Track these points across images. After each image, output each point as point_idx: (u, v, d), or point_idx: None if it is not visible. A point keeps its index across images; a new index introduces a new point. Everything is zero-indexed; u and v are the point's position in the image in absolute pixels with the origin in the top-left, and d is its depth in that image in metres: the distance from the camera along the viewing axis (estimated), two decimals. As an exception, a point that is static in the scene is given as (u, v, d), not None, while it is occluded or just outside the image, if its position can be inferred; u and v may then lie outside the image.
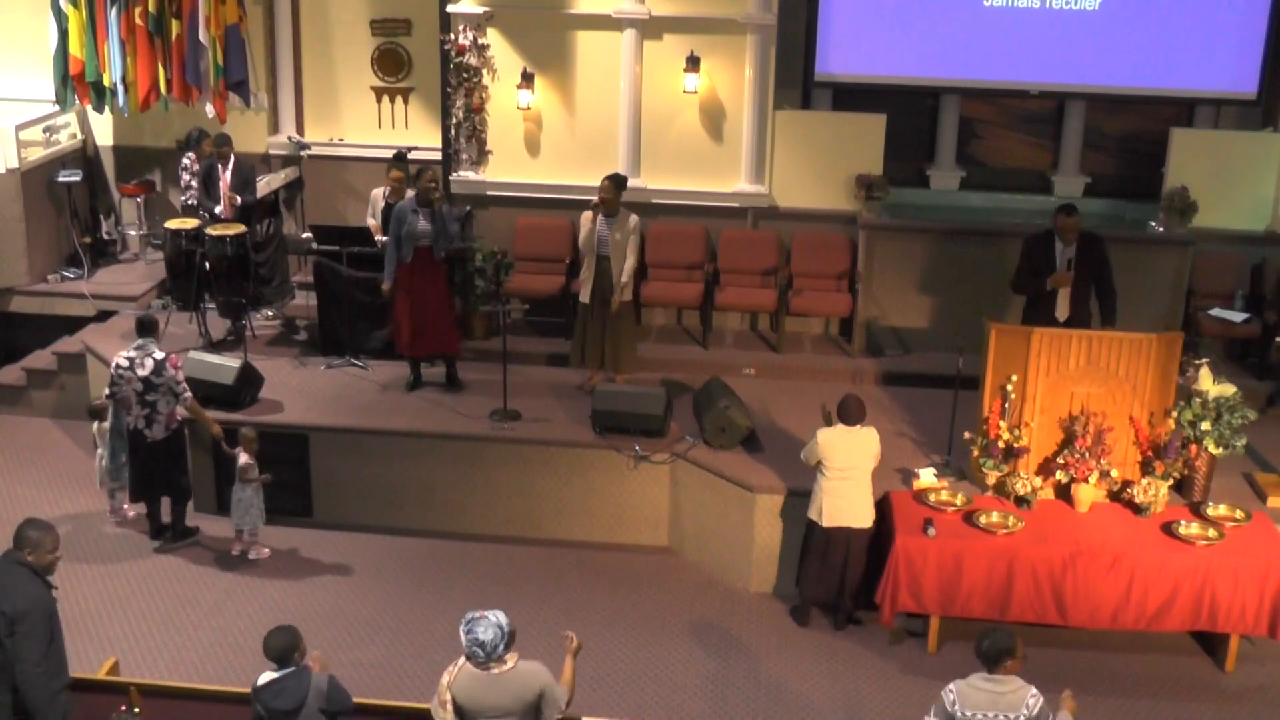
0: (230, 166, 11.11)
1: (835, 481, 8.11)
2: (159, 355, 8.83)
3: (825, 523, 8.18)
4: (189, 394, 8.99)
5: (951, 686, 5.87)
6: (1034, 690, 5.80)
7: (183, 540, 9.34)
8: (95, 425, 9.46)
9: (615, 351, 9.97)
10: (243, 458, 9.00)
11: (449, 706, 5.60)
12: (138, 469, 9.16)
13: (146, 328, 8.93)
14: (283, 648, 5.77)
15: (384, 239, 10.52)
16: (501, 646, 5.52)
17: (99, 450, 9.49)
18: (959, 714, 5.78)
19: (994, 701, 5.77)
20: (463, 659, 5.60)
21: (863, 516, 8.18)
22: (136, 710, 5.93)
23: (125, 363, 8.85)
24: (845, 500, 8.12)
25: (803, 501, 8.43)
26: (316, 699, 5.70)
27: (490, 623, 5.51)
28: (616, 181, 9.71)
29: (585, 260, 9.85)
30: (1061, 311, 9.37)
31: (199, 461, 9.62)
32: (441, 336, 10.12)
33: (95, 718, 6.32)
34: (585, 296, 9.90)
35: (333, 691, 5.77)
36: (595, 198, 9.66)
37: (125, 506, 9.62)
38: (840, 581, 8.32)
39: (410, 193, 10.50)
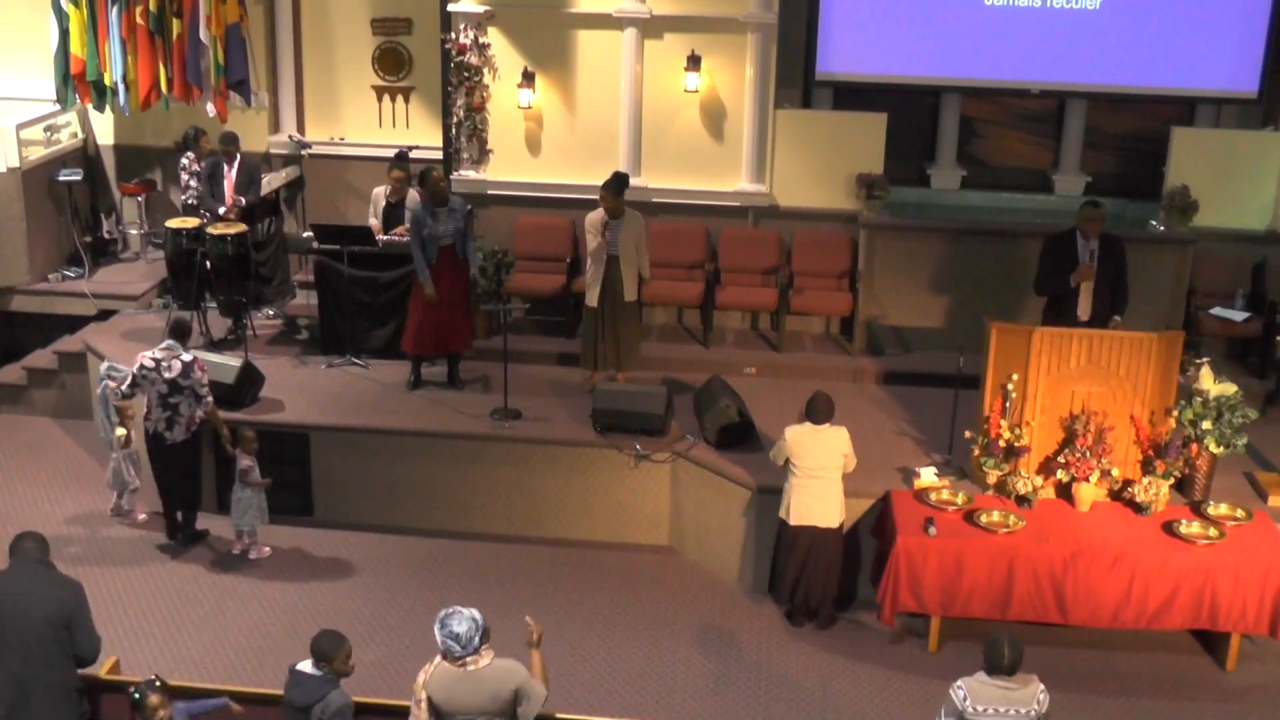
0: (236, 165, 11.11)
1: (804, 480, 8.12)
2: (187, 358, 8.81)
3: (793, 521, 8.18)
4: (211, 398, 8.97)
5: (960, 683, 5.87)
6: (1041, 684, 5.83)
7: (193, 544, 9.32)
8: (122, 431, 9.44)
9: (621, 350, 9.97)
10: (244, 460, 8.99)
11: (424, 705, 5.64)
12: (159, 474, 9.13)
13: (179, 332, 8.90)
14: (319, 651, 5.85)
15: (385, 238, 10.53)
16: (476, 640, 5.55)
17: (113, 454, 9.46)
18: (970, 710, 5.77)
19: (1006, 697, 5.78)
20: (438, 657, 5.63)
21: (830, 516, 8.16)
22: (156, 681, 5.95)
23: (151, 364, 8.76)
24: (813, 499, 8.12)
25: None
26: (323, 710, 5.74)
27: (464, 616, 5.57)
28: (611, 188, 9.64)
29: (592, 263, 9.84)
30: (1084, 310, 9.32)
31: (205, 464, 9.61)
32: (457, 333, 10.12)
33: (96, 716, 6.36)
34: (594, 300, 9.88)
35: (337, 718, 5.79)
36: (600, 204, 9.66)
37: (133, 509, 9.61)
38: (812, 580, 8.29)
39: (412, 192, 10.51)
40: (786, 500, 8.22)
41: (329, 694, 5.78)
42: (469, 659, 5.56)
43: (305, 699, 5.79)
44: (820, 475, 8.10)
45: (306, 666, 5.88)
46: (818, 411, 8.13)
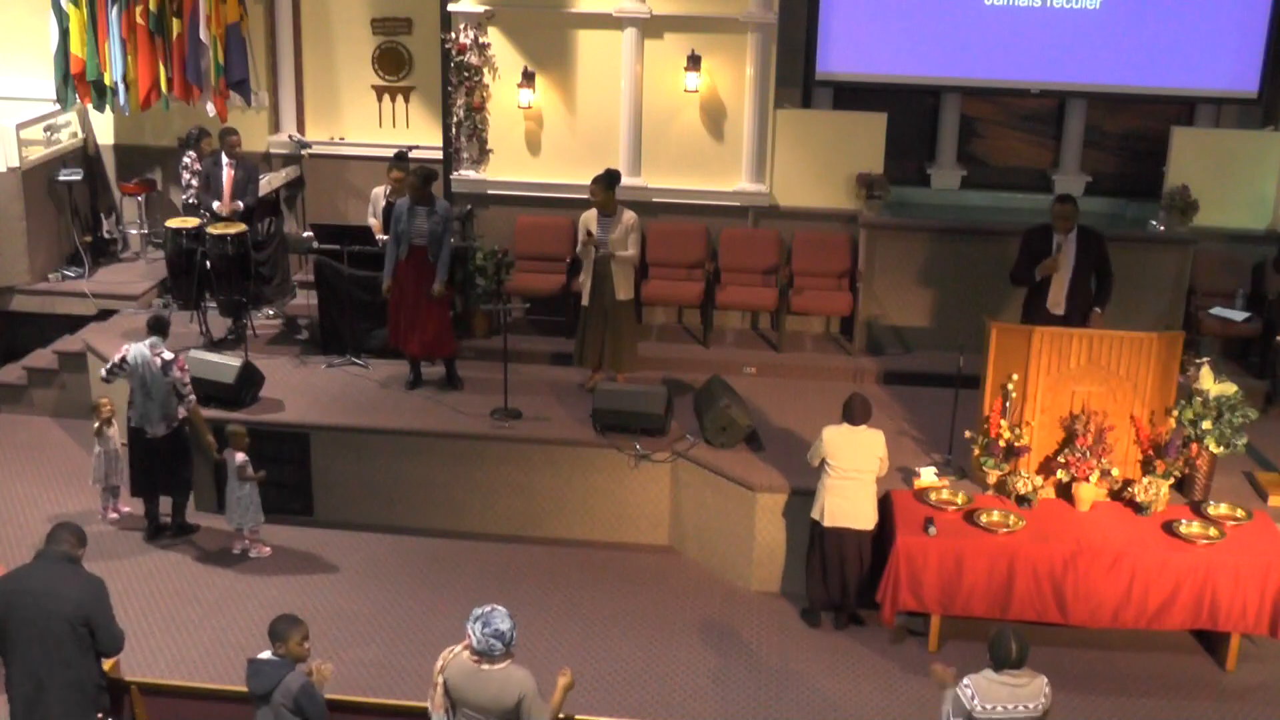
0: (236, 161, 11.07)
1: (838, 481, 8.12)
2: (168, 356, 8.85)
3: (826, 522, 8.18)
4: (193, 398, 8.99)
5: (967, 681, 5.86)
6: (1044, 677, 5.86)
7: (182, 536, 9.35)
8: (96, 424, 9.46)
9: (616, 350, 9.97)
10: (238, 456, 9.00)
11: (440, 689, 5.65)
12: (138, 466, 9.16)
13: (159, 328, 8.95)
14: (273, 633, 5.89)
15: (385, 238, 10.53)
16: (515, 638, 5.54)
17: (96, 449, 9.49)
18: (979, 709, 5.76)
19: (1014, 694, 5.78)
20: (459, 645, 5.62)
21: (864, 518, 8.17)
22: None
23: (133, 360, 8.86)
24: (847, 500, 8.12)
25: (803, 500, 8.44)
26: (284, 696, 5.76)
27: (503, 613, 5.54)
28: (603, 182, 9.65)
29: (584, 262, 9.85)
30: (1055, 303, 9.35)
31: (199, 459, 9.61)
32: (436, 339, 10.07)
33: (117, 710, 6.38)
34: (586, 299, 9.89)
35: (301, 696, 5.81)
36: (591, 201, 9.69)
37: (109, 505, 9.61)
38: (841, 582, 8.32)
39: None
40: (820, 501, 8.21)
41: (285, 677, 5.79)
42: (484, 661, 5.53)
43: (263, 686, 5.81)
44: (854, 477, 8.10)
45: (265, 654, 5.89)
46: (854, 413, 8.13)
